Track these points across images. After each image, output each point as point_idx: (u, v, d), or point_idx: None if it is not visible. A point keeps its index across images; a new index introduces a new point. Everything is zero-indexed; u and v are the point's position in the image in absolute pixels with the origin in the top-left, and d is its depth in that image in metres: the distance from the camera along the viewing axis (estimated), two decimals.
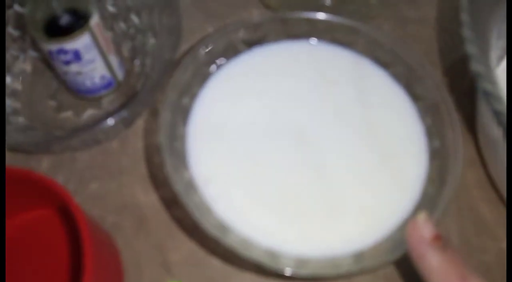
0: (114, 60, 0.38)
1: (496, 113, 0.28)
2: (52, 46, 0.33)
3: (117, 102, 0.40)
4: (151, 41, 0.39)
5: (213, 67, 0.34)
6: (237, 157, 0.30)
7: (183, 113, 0.32)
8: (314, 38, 0.36)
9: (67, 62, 0.35)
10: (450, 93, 0.41)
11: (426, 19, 0.46)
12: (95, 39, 0.34)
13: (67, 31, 0.33)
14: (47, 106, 0.40)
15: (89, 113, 0.39)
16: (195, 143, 0.30)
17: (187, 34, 0.43)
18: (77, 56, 0.34)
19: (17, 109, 0.39)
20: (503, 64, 0.40)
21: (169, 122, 0.30)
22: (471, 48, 0.32)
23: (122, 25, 0.42)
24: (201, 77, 0.33)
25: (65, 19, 0.33)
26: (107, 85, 0.39)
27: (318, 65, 0.35)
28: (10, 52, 0.40)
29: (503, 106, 0.29)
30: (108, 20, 0.42)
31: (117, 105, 0.40)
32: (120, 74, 0.39)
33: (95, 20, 0.34)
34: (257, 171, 0.30)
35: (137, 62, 0.41)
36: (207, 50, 0.33)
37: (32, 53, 0.41)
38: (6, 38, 0.39)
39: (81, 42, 0.33)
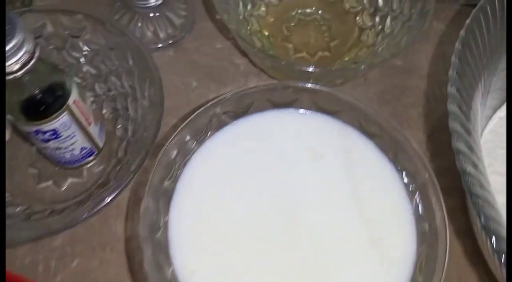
0: (94, 129, 0.37)
1: (474, 197, 0.28)
2: (30, 128, 0.32)
3: (98, 169, 0.39)
4: (133, 105, 0.38)
5: (195, 143, 0.33)
6: (222, 246, 0.30)
7: (165, 197, 0.31)
8: (300, 107, 0.35)
9: (45, 141, 0.34)
10: (437, 150, 0.41)
11: (414, 69, 0.46)
12: (74, 117, 0.33)
13: (45, 111, 0.32)
14: (27, 176, 0.39)
15: (70, 182, 0.38)
16: (178, 232, 0.30)
17: (171, 105, 0.43)
18: (55, 134, 0.33)
19: None
20: (491, 124, 0.39)
21: (150, 211, 0.29)
22: (454, 125, 0.31)
23: (102, 85, 0.41)
24: (184, 155, 0.32)
25: (42, 98, 0.32)
26: (88, 155, 0.38)
27: (305, 135, 0.34)
28: None
29: (485, 192, 0.29)
30: (89, 80, 0.41)
31: (98, 172, 0.39)
32: (101, 141, 0.38)
33: (73, 98, 0.33)
34: (243, 259, 0.30)
35: (119, 124, 0.40)
36: (190, 125, 0.32)
37: (11, 118, 0.40)
38: None
39: (59, 122, 0.32)
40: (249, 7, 0.45)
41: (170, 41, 0.46)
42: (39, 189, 0.38)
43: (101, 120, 0.40)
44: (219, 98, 0.33)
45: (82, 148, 0.36)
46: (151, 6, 0.45)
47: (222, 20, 0.39)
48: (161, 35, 0.46)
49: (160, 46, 0.46)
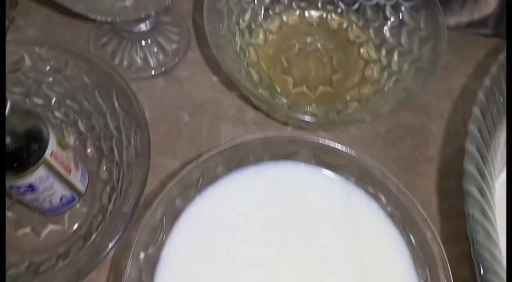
0: (75, 176, 0.34)
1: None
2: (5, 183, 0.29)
3: (81, 214, 0.36)
4: (119, 148, 0.35)
5: (184, 201, 0.30)
6: None
7: (149, 266, 0.28)
8: (299, 160, 0.32)
9: (21, 194, 0.31)
10: (446, 197, 0.38)
11: (420, 105, 0.43)
12: (51, 169, 0.30)
13: (20, 165, 0.29)
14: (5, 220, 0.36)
15: (50, 229, 0.36)
16: None
17: (161, 140, 0.40)
18: (31, 188, 0.30)
19: None
20: (503, 175, 0.37)
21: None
22: (469, 167, 0.29)
23: (86, 122, 0.38)
24: (171, 216, 0.30)
25: (16, 152, 0.29)
26: (68, 202, 0.35)
27: (304, 192, 0.32)
28: None
29: (490, 242, 0.27)
30: (71, 116, 0.38)
31: (81, 217, 0.36)
32: (83, 185, 0.36)
33: (51, 149, 0.30)
34: None
35: (103, 165, 0.37)
36: (179, 182, 0.30)
37: None
38: None
39: (35, 176, 0.30)
40: (246, 35, 0.42)
41: (161, 69, 0.43)
42: (16, 236, 0.35)
43: (84, 161, 0.37)
44: (212, 152, 0.30)
45: (61, 197, 0.33)
46: (140, 31, 0.42)
47: (217, 59, 0.36)
48: (152, 62, 0.43)
49: (151, 75, 0.43)
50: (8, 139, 0.28)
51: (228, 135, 0.41)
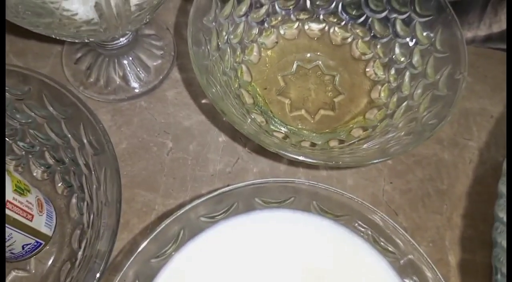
0: (39, 220, 0.30)
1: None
2: None
3: (49, 259, 0.32)
4: (89, 188, 0.31)
5: (160, 262, 0.26)
6: None
7: None
8: (295, 208, 0.28)
9: None
10: (458, 240, 0.34)
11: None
12: (8, 221, 0.26)
13: None
14: None
15: (14, 276, 0.31)
16: None
17: (139, 173, 0.35)
18: None
19: None
20: None
21: None
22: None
23: (54, 155, 0.33)
24: (144, 278, 0.25)
25: None
26: (33, 249, 0.30)
27: (300, 244, 0.28)
28: None
29: None
30: (37, 147, 0.33)
31: (49, 262, 0.32)
32: (50, 228, 0.31)
33: (6, 199, 0.25)
34: None
35: (73, 203, 0.33)
36: (156, 238, 0.25)
37: None
38: None
39: None
40: (238, 51, 0.37)
41: (143, 89, 0.38)
42: None
43: (52, 197, 0.33)
44: (195, 203, 0.26)
45: (23, 246, 0.29)
46: (118, 46, 0.37)
47: (201, 85, 0.31)
48: (132, 80, 0.38)
49: (131, 95, 0.38)
50: None
51: (216, 165, 0.36)
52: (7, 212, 0.26)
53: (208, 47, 0.33)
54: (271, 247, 0.27)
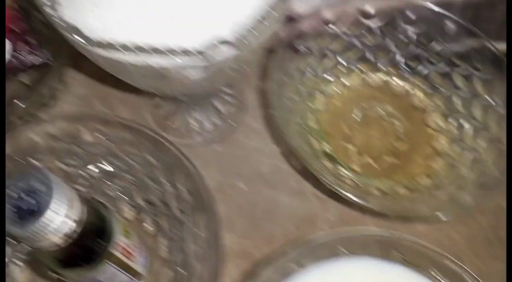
0: (138, 261, 0.32)
1: None
2: (64, 277, 0.28)
3: None
4: (183, 232, 0.33)
5: None
6: None
7: None
8: (376, 256, 0.30)
9: None
10: None
11: None
12: (116, 262, 0.29)
13: (83, 261, 0.27)
14: None
15: None
16: None
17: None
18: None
19: None
20: None
21: None
22: None
23: (144, 197, 0.36)
24: None
25: (80, 248, 0.27)
26: None
27: None
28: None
29: None
30: (129, 190, 0.36)
31: None
32: (144, 268, 0.34)
33: (116, 241, 0.28)
34: None
35: (162, 244, 0.35)
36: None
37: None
38: None
39: (98, 271, 0.28)
40: (307, 101, 0.40)
41: (217, 134, 0.41)
42: None
43: (141, 237, 0.35)
44: (294, 251, 0.28)
45: None
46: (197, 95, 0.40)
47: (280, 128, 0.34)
48: (207, 126, 0.42)
49: (207, 140, 0.41)
50: (75, 234, 0.27)
51: (286, 208, 0.39)
52: (117, 254, 0.29)
53: (283, 94, 0.36)
54: None
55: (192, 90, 0.31)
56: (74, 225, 0.24)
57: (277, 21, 0.26)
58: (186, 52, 0.24)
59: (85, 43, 0.24)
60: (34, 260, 0.34)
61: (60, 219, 0.23)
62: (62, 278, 0.30)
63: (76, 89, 0.43)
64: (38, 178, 0.23)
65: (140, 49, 0.24)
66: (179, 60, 0.24)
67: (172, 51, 0.24)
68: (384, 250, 0.29)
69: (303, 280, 0.29)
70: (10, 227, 0.22)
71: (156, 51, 0.24)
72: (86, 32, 0.25)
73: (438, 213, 0.32)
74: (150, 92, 0.32)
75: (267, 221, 0.38)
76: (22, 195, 0.23)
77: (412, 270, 0.30)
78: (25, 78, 0.41)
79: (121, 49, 0.23)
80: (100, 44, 0.23)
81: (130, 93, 0.43)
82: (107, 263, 0.28)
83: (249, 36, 0.25)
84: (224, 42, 0.24)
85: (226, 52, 0.25)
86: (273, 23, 0.25)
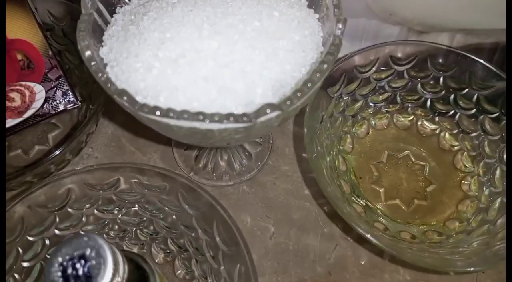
0: None
1: None
2: None
3: None
4: (217, 274, 0.34)
5: None
6: None
7: None
8: None
9: None
10: None
11: None
12: None
13: None
14: None
15: None
16: None
17: None
18: None
19: None
20: None
21: None
22: None
23: (176, 241, 0.36)
24: None
25: None
26: None
27: None
28: None
29: None
30: (161, 235, 0.36)
31: None
32: None
33: None
34: None
35: None
36: None
37: None
38: None
39: None
40: (335, 142, 0.40)
41: (245, 174, 0.42)
42: None
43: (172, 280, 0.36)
44: None
45: None
46: None
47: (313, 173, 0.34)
48: (236, 166, 0.42)
49: (235, 180, 0.41)
50: None
51: (317, 251, 0.39)
52: None
53: (316, 139, 0.36)
54: None
55: (230, 143, 0.32)
56: None
57: (319, 82, 0.26)
58: (233, 117, 0.24)
59: (135, 108, 0.24)
60: None
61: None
62: None
63: (106, 130, 0.44)
64: (89, 245, 0.23)
65: (188, 114, 0.24)
66: (224, 124, 0.25)
67: (219, 116, 0.24)
68: None
69: None
70: None
71: (204, 116, 0.24)
72: (133, 93, 0.25)
73: (470, 269, 0.32)
74: None
75: (297, 265, 0.38)
76: (73, 261, 0.23)
77: None
78: (58, 122, 0.42)
79: (170, 115, 0.24)
80: (150, 110, 0.24)
81: (159, 134, 0.44)
82: None
83: (294, 98, 0.25)
84: (270, 105, 0.25)
85: (270, 113, 0.25)
86: (316, 84, 0.26)
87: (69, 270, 0.23)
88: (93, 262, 0.23)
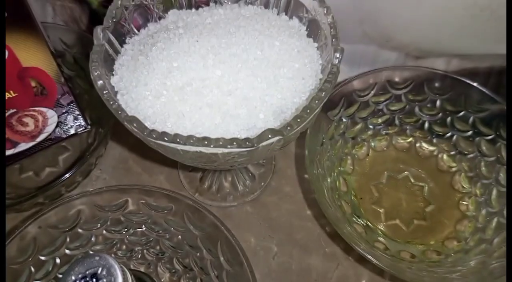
0: None
1: None
2: None
3: None
4: None
5: None
6: None
7: None
8: None
9: None
10: None
11: None
12: None
13: None
14: None
15: None
16: None
17: None
18: None
19: None
20: None
21: None
22: None
23: (182, 261, 0.37)
24: None
25: None
26: None
27: None
28: None
29: None
30: (167, 252, 0.37)
31: None
32: None
33: None
34: None
35: None
36: None
37: None
38: None
39: None
40: (336, 164, 0.42)
41: (248, 195, 0.43)
42: None
43: None
44: None
45: None
46: None
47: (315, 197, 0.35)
48: (240, 187, 0.43)
49: (238, 201, 0.43)
50: None
51: (319, 270, 0.40)
52: None
53: (317, 161, 0.38)
54: None
55: (234, 166, 0.33)
56: None
57: (318, 108, 0.28)
58: (236, 142, 0.26)
59: (144, 134, 0.26)
60: None
61: None
62: None
63: (114, 152, 0.45)
64: (100, 264, 0.24)
65: (194, 140, 0.25)
66: (228, 149, 0.26)
67: (223, 141, 0.26)
68: None
69: None
70: None
71: (209, 141, 0.25)
72: (142, 119, 0.27)
73: None
74: None
75: None
76: (85, 279, 0.24)
77: None
78: (69, 145, 0.44)
79: (177, 141, 0.25)
80: (158, 136, 0.25)
81: (165, 157, 0.45)
82: None
83: (294, 124, 0.27)
84: (271, 130, 0.26)
85: (272, 138, 0.27)
86: (315, 111, 0.27)
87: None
88: (104, 280, 0.24)
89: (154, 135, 0.26)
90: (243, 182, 0.43)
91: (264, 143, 0.27)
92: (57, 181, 0.37)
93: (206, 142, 0.25)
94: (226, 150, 0.26)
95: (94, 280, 0.24)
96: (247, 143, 0.26)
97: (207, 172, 0.44)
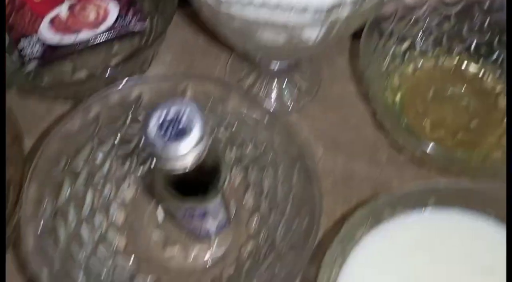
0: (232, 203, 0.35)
1: None
2: (180, 205, 0.31)
3: (227, 241, 0.37)
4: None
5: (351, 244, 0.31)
6: None
7: None
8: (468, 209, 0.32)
9: (191, 217, 0.32)
10: None
11: None
12: (223, 199, 0.31)
13: (204, 192, 0.30)
14: (152, 239, 0.37)
15: (197, 251, 0.36)
16: None
17: None
18: (204, 214, 0.32)
19: (122, 248, 0.36)
20: None
21: None
22: None
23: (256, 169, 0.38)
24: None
25: (200, 179, 0.30)
26: (221, 228, 0.36)
27: (473, 243, 0.32)
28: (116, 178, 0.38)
29: None
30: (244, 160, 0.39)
31: (228, 243, 0.37)
32: (233, 212, 0.37)
33: (226, 181, 0.31)
34: None
35: (249, 196, 0.38)
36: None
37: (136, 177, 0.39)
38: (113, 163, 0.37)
39: (212, 203, 0.31)
40: (384, 78, 0.43)
41: (295, 106, 0.44)
42: (164, 255, 0.36)
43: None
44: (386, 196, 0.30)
45: (219, 224, 0.34)
46: (279, 68, 0.43)
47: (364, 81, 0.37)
48: (286, 98, 0.44)
49: (285, 111, 0.44)
50: (199, 173, 0.29)
51: (362, 177, 0.41)
52: (225, 192, 0.31)
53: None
54: (444, 244, 0.31)
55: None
56: (204, 153, 0.27)
57: None
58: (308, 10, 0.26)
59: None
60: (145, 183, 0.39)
61: (200, 144, 0.25)
62: (164, 202, 0.33)
63: (164, 57, 0.46)
64: (187, 105, 0.25)
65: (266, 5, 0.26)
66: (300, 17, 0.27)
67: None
68: (474, 203, 0.32)
69: (395, 225, 0.32)
70: (155, 142, 0.25)
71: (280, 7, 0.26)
72: None
73: None
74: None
75: (344, 186, 0.40)
76: (171, 116, 0.25)
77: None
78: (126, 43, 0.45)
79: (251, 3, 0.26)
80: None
81: (214, 66, 0.47)
82: (219, 198, 0.31)
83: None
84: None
85: (342, 11, 0.28)
86: None
87: (168, 124, 0.25)
88: (190, 121, 0.25)
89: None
90: (290, 94, 0.44)
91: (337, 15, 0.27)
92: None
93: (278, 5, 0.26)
94: (297, 19, 0.27)
95: (180, 115, 0.25)
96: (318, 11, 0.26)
97: (254, 82, 0.45)
